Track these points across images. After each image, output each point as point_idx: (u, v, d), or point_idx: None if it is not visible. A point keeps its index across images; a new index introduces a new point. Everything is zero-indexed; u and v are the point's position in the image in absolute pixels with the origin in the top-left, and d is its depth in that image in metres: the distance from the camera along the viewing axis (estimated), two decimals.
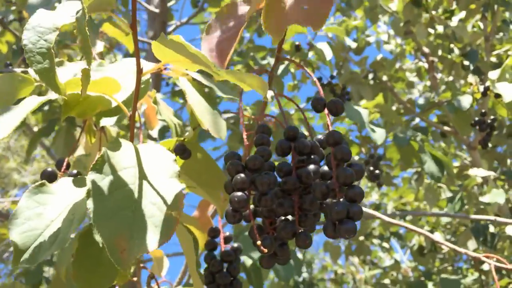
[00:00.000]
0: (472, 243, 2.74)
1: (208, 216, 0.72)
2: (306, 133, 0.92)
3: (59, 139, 1.38)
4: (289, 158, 0.51)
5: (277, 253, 0.48)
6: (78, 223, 0.47)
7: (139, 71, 0.47)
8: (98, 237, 0.59)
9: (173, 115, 0.73)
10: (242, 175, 0.46)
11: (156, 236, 0.39)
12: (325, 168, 0.50)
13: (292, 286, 2.49)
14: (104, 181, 0.42)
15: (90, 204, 0.40)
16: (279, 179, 0.49)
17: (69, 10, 0.41)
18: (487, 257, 0.76)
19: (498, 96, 1.60)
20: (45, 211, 0.50)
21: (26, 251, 0.46)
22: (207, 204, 0.72)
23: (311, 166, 0.48)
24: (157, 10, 2.19)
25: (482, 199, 2.33)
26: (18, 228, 0.47)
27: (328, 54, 1.84)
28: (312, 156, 0.49)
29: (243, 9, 0.51)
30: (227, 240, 0.71)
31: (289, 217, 0.49)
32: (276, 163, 0.50)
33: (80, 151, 0.82)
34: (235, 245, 0.70)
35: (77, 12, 0.40)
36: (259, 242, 0.45)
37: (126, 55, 2.76)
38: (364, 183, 3.12)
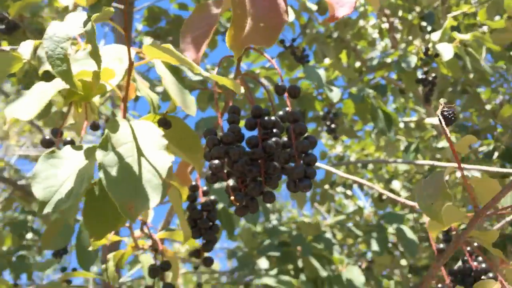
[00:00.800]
0: None
1: (187, 174, 0.87)
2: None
3: None
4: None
5: (248, 205, 0.60)
6: (88, 181, 0.60)
7: (131, 63, 0.59)
8: (98, 193, 0.73)
9: (149, 89, 0.85)
10: (218, 147, 0.58)
11: (154, 197, 0.51)
12: (285, 139, 0.61)
13: (261, 232, 2.70)
14: (109, 156, 0.54)
15: (101, 174, 0.52)
16: (247, 149, 0.60)
17: (77, 21, 0.52)
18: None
19: (437, 55, 1.76)
20: (59, 172, 0.62)
21: (48, 203, 0.59)
22: (186, 164, 0.86)
23: (274, 139, 0.59)
24: None
25: (437, 145, 2.56)
26: (39, 185, 0.60)
27: (291, 16, 1.94)
28: (274, 130, 0.60)
29: (215, 9, 0.63)
30: (204, 193, 0.86)
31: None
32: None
33: (69, 119, 0.93)
34: (212, 197, 0.85)
35: (85, 24, 0.51)
36: (232, 198, 0.58)
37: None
38: (328, 137, 3.31)
